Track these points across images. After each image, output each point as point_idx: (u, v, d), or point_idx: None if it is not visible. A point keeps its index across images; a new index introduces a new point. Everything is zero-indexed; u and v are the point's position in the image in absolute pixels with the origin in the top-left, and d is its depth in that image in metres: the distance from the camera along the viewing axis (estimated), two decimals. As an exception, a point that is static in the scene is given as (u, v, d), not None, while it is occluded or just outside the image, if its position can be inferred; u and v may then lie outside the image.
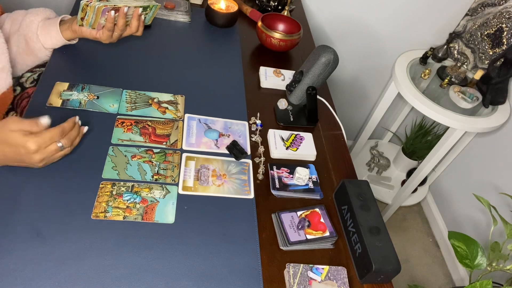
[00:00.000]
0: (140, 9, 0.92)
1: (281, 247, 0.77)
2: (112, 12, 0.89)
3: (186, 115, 0.96)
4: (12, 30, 0.98)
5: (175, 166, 0.84)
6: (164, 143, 0.88)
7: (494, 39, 1.58)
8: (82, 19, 0.91)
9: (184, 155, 0.87)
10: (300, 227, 0.78)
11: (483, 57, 1.63)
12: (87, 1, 0.87)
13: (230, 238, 0.75)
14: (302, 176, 0.87)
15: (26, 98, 0.98)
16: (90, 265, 0.66)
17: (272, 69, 1.16)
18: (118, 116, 0.90)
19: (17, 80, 1.03)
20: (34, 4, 1.56)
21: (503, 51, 1.50)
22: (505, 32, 1.54)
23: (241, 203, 0.81)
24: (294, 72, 1.17)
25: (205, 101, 1.01)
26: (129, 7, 0.90)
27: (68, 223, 0.70)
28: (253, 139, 0.95)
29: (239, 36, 1.28)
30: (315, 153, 0.96)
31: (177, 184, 0.81)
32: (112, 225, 0.72)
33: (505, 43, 1.55)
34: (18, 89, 1.01)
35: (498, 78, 1.48)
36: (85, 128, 0.81)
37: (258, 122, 0.99)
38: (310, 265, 0.74)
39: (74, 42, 1.02)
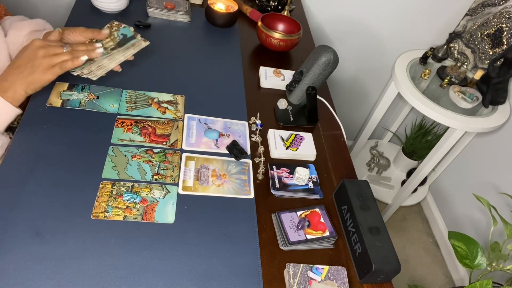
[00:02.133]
0: (133, 57, 0.94)
1: (281, 247, 0.77)
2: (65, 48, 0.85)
3: (186, 115, 0.96)
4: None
5: (175, 166, 0.84)
6: (164, 143, 0.88)
7: (494, 39, 1.58)
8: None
9: (184, 155, 0.87)
10: (300, 227, 0.78)
11: (483, 57, 1.63)
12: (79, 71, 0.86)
13: (230, 238, 0.75)
14: (302, 176, 0.87)
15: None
16: (90, 265, 0.66)
17: (272, 69, 1.16)
18: (118, 116, 0.90)
19: None
20: (38, 4, 1.56)
21: (503, 51, 1.50)
22: (505, 32, 1.54)
23: (241, 203, 0.81)
24: (294, 72, 1.17)
25: (205, 101, 1.01)
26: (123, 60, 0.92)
27: (68, 223, 0.70)
28: (253, 139, 0.95)
29: (239, 36, 1.28)
30: (315, 153, 0.96)
31: (177, 184, 0.81)
32: (112, 225, 0.72)
33: (505, 43, 1.55)
34: None
35: (498, 78, 1.47)
36: (98, 48, 0.85)
37: (258, 122, 0.99)
38: (310, 265, 0.74)
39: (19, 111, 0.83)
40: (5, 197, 0.71)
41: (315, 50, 1.04)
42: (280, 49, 1.23)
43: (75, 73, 0.86)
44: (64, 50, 0.81)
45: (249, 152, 0.92)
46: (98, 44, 0.88)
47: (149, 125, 0.90)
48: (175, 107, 0.96)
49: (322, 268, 0.74)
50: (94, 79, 0.88)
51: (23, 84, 0.79)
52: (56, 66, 0.80)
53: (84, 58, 0.83)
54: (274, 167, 0.90)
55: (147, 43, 0.96)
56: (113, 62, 0.90)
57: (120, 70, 0.92)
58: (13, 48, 0.94)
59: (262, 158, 0.92)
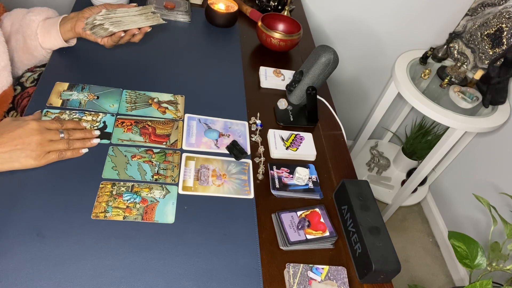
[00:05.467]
0: (149, 29, 0.96)
1: (281, 247, 0.77)
2: (122, 33, 0.94)
3: (186, 115, 0.96)
4: (13, 29, 0.97)
5: (175, 166, 0.84)
6: (164, 143, 0.88)
7: (494, 39, 1.58)
8: (90, 29, 0.92)
9: (184, 155, 0.87)
10: (300, 227, 0.78)
11: (483, 57, 1.63)
12: (101, 22, 0.90)
13: (230, 238, 0.75)
14: (302, 176, 0.87)
15: (27, 98, 0.98)
16: (90, 265, 0.66)
17: (272, 69, 1.16)
18: (118, 116, 0.90)
19: (17, 80, 1.03)
20: (36, 3, 1.56)
21: (503, 51, 1.50)
22: (505, 32, 1.54)
23: (241, 203, 0.81)
24: (294, 72, 1.17)
25: (205, 101, 1.01)
26: (139, 28, 0.94)
27: (68, 223, 0.70)
28: (253, 139, 0.95)
29: (239, 36, 1.28)
30: (315, 153, 0.96)
31: (177, 184, 0.81)
32: (112, 225, 0.72)
33: (505, 43, 1.55)
34: (18, 88, 1.01)
35: (498, 78, 1.47)
36: (95, 139, 0.82)
37: (258, 122, 0.99)
38: (310, 265, 0.74)
39: (73, 44, 1.01)
40: (5, 197, 0.71)
41: (315, 50, 1.04)
42: (280, 49, 1.23)
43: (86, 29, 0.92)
44: (61, 137, 0.77)
45: (249, 152, 0.92)
46: (96, 132, 0.83)
47: (149, 125, 0.90)
48: (175, 107, 0.96)
49: (322, 268, 0.74)
50: (104, 34, 0.91)
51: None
52: (52, 153, 0.75)
53: (85, 150, 0.80)
54: (274, 167, 0.90)
55: (163, 22, 0.98)
56: (131, 24, 0.93)
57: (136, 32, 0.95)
58: (27, 31, 0.94)
59: (262, 158, 0.92)
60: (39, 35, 0.95)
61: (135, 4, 0.97)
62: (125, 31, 0.94)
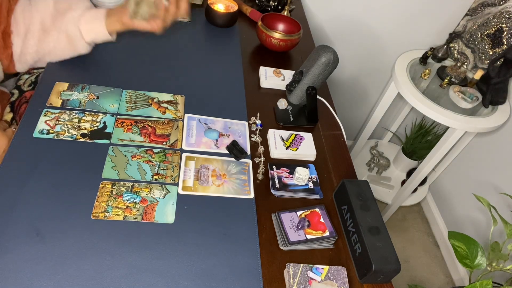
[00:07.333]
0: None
1: (281, 247, 0.77)
2: (164, 1, 0.88)
3: (186, 115, 0.96)
4: (47, 24, 0.92)
5: (175, 166, 0.84)
6: (164, 143, 0.88)
7: (494, 39, 1.58)
8: (135, 12, 0.89)
9: (184, 155, 0.87)
10: (300, 227, 0.78)
11: (483, 57, 1.63)
12: None
13: (230, 238, 0.75)
14: (302, 176, 0.87)
15: (25, 103, 0.98)
16: (90, 265, 0.66)
17: (272, 69, 1.16)
18: (118, 116, 0.90)
19: (15, 83, 1.03)
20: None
21: (503, 51, 1.50)
22: (505, 32, 1.54)
23: (241, 203, 0.81)
24: (294, 72, 1.17)
25: (205, 101, 1.01)
26: None
27: (68, 223, 0.70)
28: (253, 139, 0.95)
29: (239, 36, 1.28)
30: (315, 153, 0.96)
31: (177, 184, 0.81)
32: (112, 225, 0.72)
33: (505, 43, 1.55)
34: (16, 92, 1.01)
35: (498, 78, 1.47)
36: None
37: (258, 122, 0.99)
38: (310, 265, 0.74)
39: (113, 39, 0.97)
40: (5, 197, 0.71)
41: (315, 50, 1.04)
42: (280, 49, 1.23)
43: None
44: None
45: (249, 152, 0.92)
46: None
47: (149, 125, 0.90)
48: (175, 107, 0.96)
49: (322, 268, 0.74)
50: (148, 9, 0.89)
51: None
52: None
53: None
54: (274, 167, 0.90)
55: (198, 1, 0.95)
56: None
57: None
58: (68, 27, 0.91)
59: (262, 158, 0.92)
60: (83, 31, 0.92)
61: None
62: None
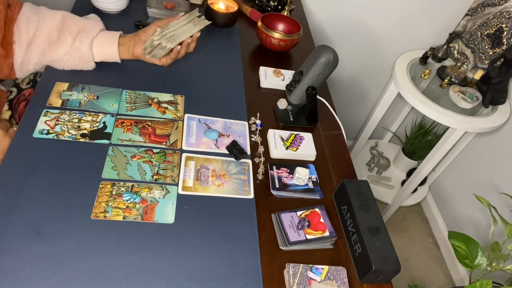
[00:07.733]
0: (199, 33, 0.98)
1: (281, 247, 0.77)
2: (178, 45, 0.96)
3: (186, 115, 0.96)
4: (53, 37, 0.92)
5: (175, 166, 0.84)
6: (164, 143, 0.88)
7: (494, 39, 1.58)
8: (149, 52, 0.96)
9: (184, 155, 0.87)
10: (300, 227, 0.78)
11: (483, 57, 1.63)
12: (158, 41, 0.93)
13: (230, 238, 0.75)
14: (302, 176, 0.87)
15: (23, 101, 0.98)
16: (90, 265, 0.66)
17: (272, 69, 1.16)
18: (118, 116, 0.90)
19: (13, 81, 1.02)
20: (37, 3, 1.56)
21: (503, 51, 1.50)
22: (505, 32, 1.54)
23: (241, 203, 0.81)
24: (294, 72, 1.17)
25: (205, 101, 1.01)
26: (191, 36, 0.97)
27: (68, 223, 0.70)
28: (253, 139, 0.95)
29: (239, 36, 1.28)
30: (315, 153, 0.96)
31: (177, 184, 0.81)
32: (112, 225, 0.72)
33: (505, 43, 1.55)
34: (14, 90, 1.01)
35: (498, 78, 1.47)
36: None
37: (258, 122, 0.99)
38: (310, 265, 0.74)
39: (120, 61, 1.01)
40: (5, 197, 0.71)
41: (315, 50, 1.04)
42: (280, 49, 1.23)
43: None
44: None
45: (249, 152, 0.92)
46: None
47: (149, 125, 0.90)
48: (175, 107, 0.96)
49: (322, 268, 0.74)
50: (163, 53, 0.97)
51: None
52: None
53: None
54: (274, 167, 0.90)
55: (209, 23, 1.00)
56: (184, 35, 0.95)
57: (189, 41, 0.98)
58: (81, 48, 0.92)
59: (262, 158, 0.92)
60: (95, 54, 0.95)
61: (182, 13, 0.99)
62: (180, 44, 0.96)
